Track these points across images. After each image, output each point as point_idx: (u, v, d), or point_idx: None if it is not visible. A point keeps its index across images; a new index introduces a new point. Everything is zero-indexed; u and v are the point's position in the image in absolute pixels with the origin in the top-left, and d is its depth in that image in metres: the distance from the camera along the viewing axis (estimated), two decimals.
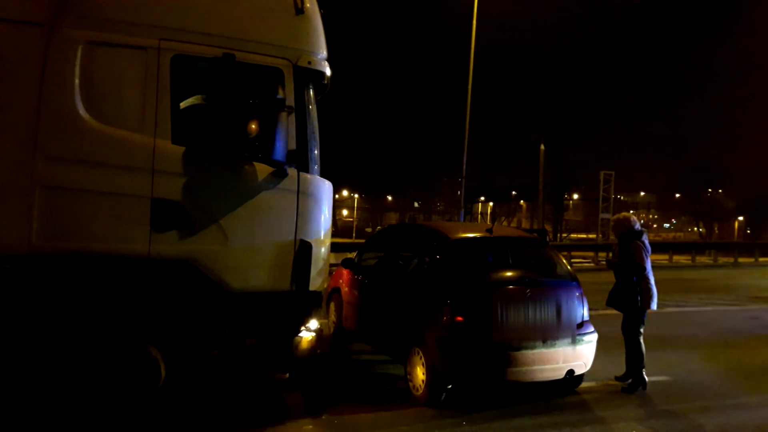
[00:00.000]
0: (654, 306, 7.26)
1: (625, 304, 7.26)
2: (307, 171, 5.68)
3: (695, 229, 76.31)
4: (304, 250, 5.59)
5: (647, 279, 7.21)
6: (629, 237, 7.36)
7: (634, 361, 7.21)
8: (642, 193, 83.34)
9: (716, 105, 76.50)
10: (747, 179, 59.51)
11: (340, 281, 9.18)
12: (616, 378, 7.37)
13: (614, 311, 7.46)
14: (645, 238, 7.39)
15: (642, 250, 7.24)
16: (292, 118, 5.59)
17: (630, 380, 7.22)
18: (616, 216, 7.99)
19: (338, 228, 64.50)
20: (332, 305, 9.40)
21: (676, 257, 30.53)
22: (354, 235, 60.00)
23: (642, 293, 7.16)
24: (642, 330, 7.24)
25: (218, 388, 6.02)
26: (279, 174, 5.48)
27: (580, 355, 6.61)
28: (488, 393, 6.80)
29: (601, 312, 8.33)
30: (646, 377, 7.18)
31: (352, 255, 10.33)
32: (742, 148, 63.27)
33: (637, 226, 7.51)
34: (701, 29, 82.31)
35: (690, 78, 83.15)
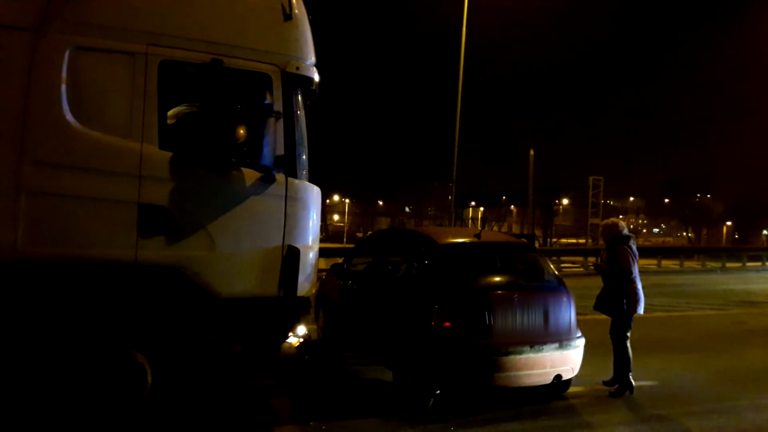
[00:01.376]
0: (641, 310, 7.30)
1: (612, 309, 7.30)
2: (295, 176, 5.68)
3: (684, 234, 76.73)
4: (291, 256, 5.59)
5: (634, 283, 7.26)
6: (617, 242, 7.41)
7: (621, 365, 7.24)
8: (631, 198, 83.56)
9: (704, 110, 77.02)
10: (734, 184, 59.97)
11: (329, 287, 9.18)
12: (604, 382, 7.39)
13: (603, 316, 7.49)
14: (632, 244, 7.44)
15: (629, 255, 7.29)
16: (281, 123, 5.59)
17: (617, 385, 7.26)
18: (604, 221, 8.04)
19: (329, 233, 64.48)
20: (321, 311, 9.39)
21: (664, 262, 30.65)
22: (345, 239, 59.92)
23: (629, 297, 7.21)
24: (629, 334, 7.29)
25: (206, 395, 6.00)
26: (267, 179, 5.47)
27: (567, 359, 6.64)
28: (476, 398, 6.81)
29: (589, 317, 8.37)
30: (633, 381, 7.21)
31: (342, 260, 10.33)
32: (730, 153, 63.76)
33: (625, 231, 7.55)
34: (691, 35, 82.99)
35: (679, 83, 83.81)
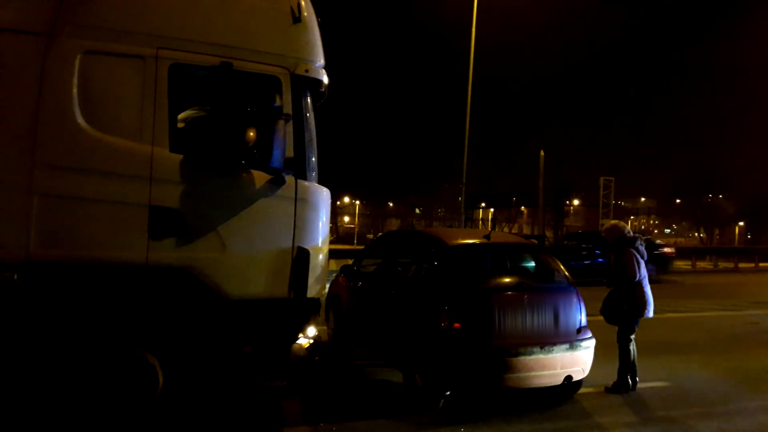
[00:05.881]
0: (650, 314, 7.27)
1: (616, 312, 7.28)
2: (304, 178, 5.69)
3: (696, 234, 76.27)
4: (301, 257, 5.60)
5: (641, 286, 7.23)
6: (622, 244, 7.38)
7: (622, 364, 7.27)
8: (642, 199, 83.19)
9: (715, 109, 76.65)
10: (747, 184, 59.54)
11: (340, 288, 9.20)
12: (614, 383, 7.37)
13: None
14: (639, 245, 7.40)
15: (634, 260, 7.25)
16: (290, 125, 5.60)
17: (625, 384, 7.27)
18: (605, 225, 7.96)
19: (339, 234, 64.55)
20: (331, 312, 9.40)
21: (676, 263, 30.49)
22: (355, 241, 59.93)
23: (635, 301, 7.19)
24: (632, 337, 7.29)
25: (216, 396, 6.02)
26: (277, 181, 5.49)
27: (578, 360, 6.62)
28: (486, 400, 6.81)
29: (600, 318, 8.32)
30: (630, 382, 7.26)
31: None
32: (742, 153, 63.30)
33: (628, 232, 7.52)
34: (702, 34, 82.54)
35: (689, 82, 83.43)
